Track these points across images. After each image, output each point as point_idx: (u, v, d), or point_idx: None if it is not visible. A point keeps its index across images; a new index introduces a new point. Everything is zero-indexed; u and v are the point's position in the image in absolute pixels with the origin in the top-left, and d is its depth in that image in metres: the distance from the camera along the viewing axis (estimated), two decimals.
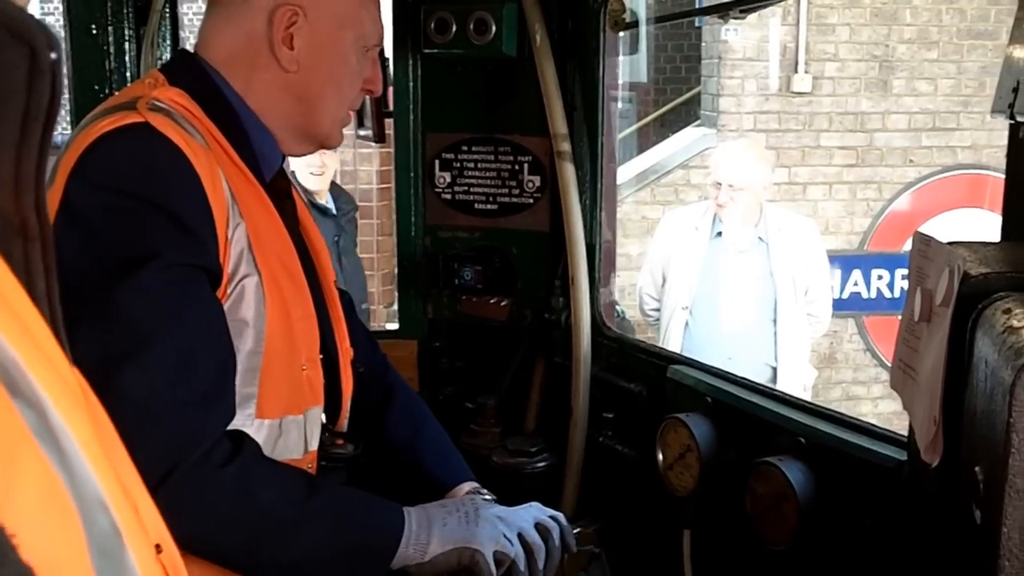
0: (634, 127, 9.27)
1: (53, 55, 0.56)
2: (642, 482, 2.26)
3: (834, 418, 1.90)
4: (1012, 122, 1.42)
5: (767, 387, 2.10)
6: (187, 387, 1.44)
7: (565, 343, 2.58)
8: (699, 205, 5.19)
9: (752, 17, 7.17)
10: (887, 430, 1.80)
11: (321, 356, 1.75)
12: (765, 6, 2.26)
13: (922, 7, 8.13)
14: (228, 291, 1.54)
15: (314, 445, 1.72)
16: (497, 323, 2.72)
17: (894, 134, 8.18)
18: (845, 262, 8.08)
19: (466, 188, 2.72)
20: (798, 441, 1.87)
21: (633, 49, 3.12)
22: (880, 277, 8.12)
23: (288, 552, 1.53)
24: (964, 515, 1.05)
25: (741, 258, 4.81)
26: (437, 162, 2.74)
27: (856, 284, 8.13)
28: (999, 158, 8.19)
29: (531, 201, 2.66)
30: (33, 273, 0.59)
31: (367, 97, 3.03)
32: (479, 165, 2.70)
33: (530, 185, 2.64)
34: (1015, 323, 0.98)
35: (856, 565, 1.74)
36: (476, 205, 2.72)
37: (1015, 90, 1.30)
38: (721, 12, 2.31)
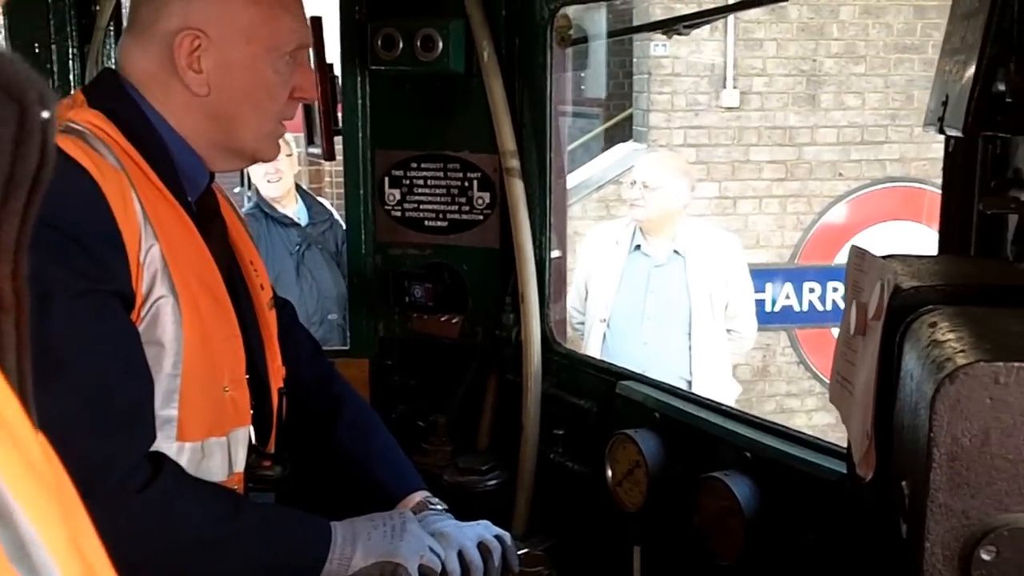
0: (577, 143, 9.31)
1: (45, 114, 0.51)
2: (593, 499, 2.25)
3: (780, 432, 1.90)
4: (944, 135, 1.44)
5: (715, 402, 2.10)
6: (101, 413, 1.43)
7: (516, 360, 2.57)
8: (621, 219, 5.23)
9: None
10: (832, 444, 1.81)
11: (248, 376, 1.74)
12: (708, 22, 2.28)
13: (849, 22, 8.21)
14: (142, 314, 1.52)
15: (240, 467, 1.70)
16: (449, 340, 2.71)
17: (823, 148, 8.25)
18: (776, 276, 8.14)
19: (416, 205, 2.71)
20: (744, 456, 1.87)
21: (582, 65, 3.13)
22: (812, 290, 8.19)
23: (214, 571, 1.52)
24: (894, 529, 1.05)
25: (658, 272, 4.85)
26: (387, 179, 2.73)
27: (788, 297, 8.19)
28: (927, 171, 8.34)
29: (481, 218, 2.65)
30: (5, 345, 0.56)
31: (316, 115, 3.03)
32: (428, 182, 2.69)
33: (480, 202, 2.64)
34: (939, 336, 0.98)
35: None
36: (426, 222, 2.71)
37: (944, 103, 1.32)
38: (666, 28, 2.32)
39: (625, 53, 11.38)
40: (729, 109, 8.11)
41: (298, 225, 4.81)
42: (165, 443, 1.55)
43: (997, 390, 0.87)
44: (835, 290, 8.14)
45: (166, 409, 1.55)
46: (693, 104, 8.12)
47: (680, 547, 1.99)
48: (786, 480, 1.79)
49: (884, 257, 1.34)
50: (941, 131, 1.33)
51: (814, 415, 7.99)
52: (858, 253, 1.41)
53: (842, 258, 8.14)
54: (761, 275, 8.10)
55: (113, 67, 1.75)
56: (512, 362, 2.59)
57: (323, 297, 4.74)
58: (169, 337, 1.54)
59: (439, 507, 1.87)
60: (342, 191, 2.89)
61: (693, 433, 2.01)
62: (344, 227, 5.41)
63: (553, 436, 2.48)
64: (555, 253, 2.62)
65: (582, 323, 5.04)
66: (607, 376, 2.37)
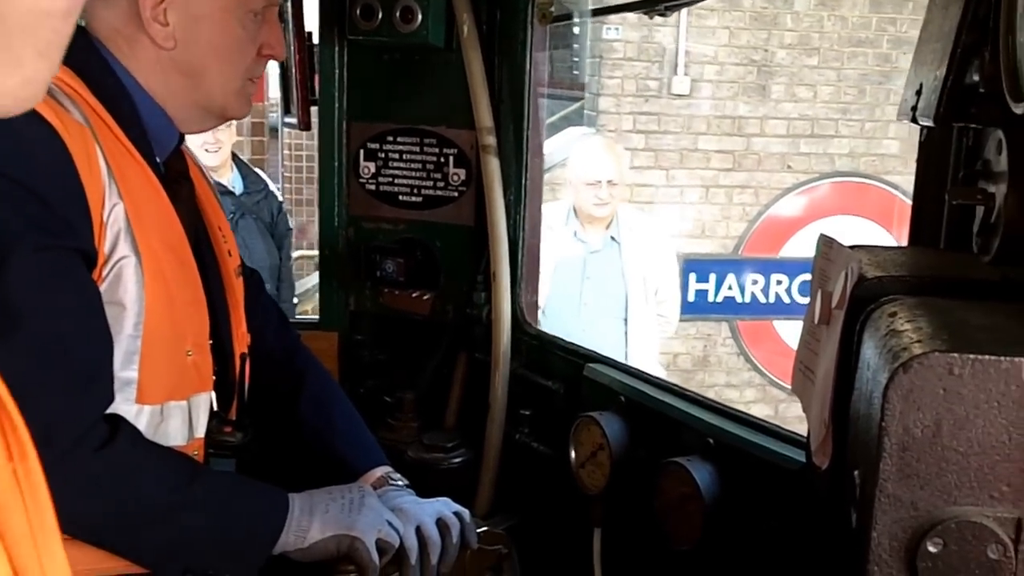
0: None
1: None
2: (556, 480, 2.24)
3: (742, 420, 1.89)
4: (920, 126, 1.43)
5: (680, 388, 2.09)
6: (59, 371, 1.41)
7: (486, 339, 2.55)
8: (556, 204, 5.24)
9: (632, 17, 7.16)
10: (794, 433, 1.80)
11: (212, 342, 1.72)
12: (689, 4, 2.25)
13: (804, 13, 8.14)
14: (104, 273, 1.50)
15: (200, 432, 1.69)
16: (419, 317, 2.69)
17: (772, 139, 8.19)
18: (719, 266, 8.13)
19: (391, 179, 2.69)
20: (707, 442, 1.86)
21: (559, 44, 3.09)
22: (755, 282, 8.18)
23: (166, 537, 1.51)
24: (847, 519, 1.04)
25: (594, 258, 4.87)
26: (362, 152, 2.70)
27: (731, 288, 8.18)
28: (876, 166, 8.30)
29: (456, 195, 2.63)
30: None
31: (293, 84, 3.00)
32: (404, 156, 2.67)
33: (455, 178, 2.61)
34: (898, 326, 0.97)
35: (761, 566, 1.74)
36: (400, 197, 2.68)
37: (918, 93, 1.30)
38: (649, 8, 2.30)
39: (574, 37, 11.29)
40: (679, 96, 8.01)
41: (232, 194, 4.82)
42: (124, 405, 1.53)
43: (951, 381, 0.86)
44: (779, 283, 8.14)
45: (126, 371, 1.53)
46: (643, 90, 8.03)
47: (640, 531, 1.98)
48: (747, 467, 1.78)
49: (851, 247, 1.33)
50: (914, 120, 1.31)
51: (753, 406, 7.95)
52: (826, 242, 1.40)
53: (787, 251, 8.17)
54: (705, 265, 8.12)
55: (81, 24, 1.72)
56: (482, 341, 2.58)
57: (256, 267, 4.77)
58: (131, 298, 1.52)
59: (400, 483, 1.86)
60: (298, 164, 2.86)
61: (657, 418, 2.00)
62: (279, 198, 5.44)
63: (520, 416, 2.47)
64: (529, 233, 2.59)
65: None
66: (576, 358, 2.36)
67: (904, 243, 1.53)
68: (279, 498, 1.66)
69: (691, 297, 8.09)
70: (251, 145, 8.21)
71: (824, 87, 8.24)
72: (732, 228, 8.25)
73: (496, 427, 2.47)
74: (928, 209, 1.49)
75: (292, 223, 5.75)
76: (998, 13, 1.12)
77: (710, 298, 8.09)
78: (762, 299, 8.16)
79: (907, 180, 8.27)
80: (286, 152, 9.78)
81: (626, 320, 4.80)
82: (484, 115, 2.49)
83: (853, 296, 1.16)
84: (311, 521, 1.64)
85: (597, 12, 7.92)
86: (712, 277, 8.08)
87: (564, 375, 2.37)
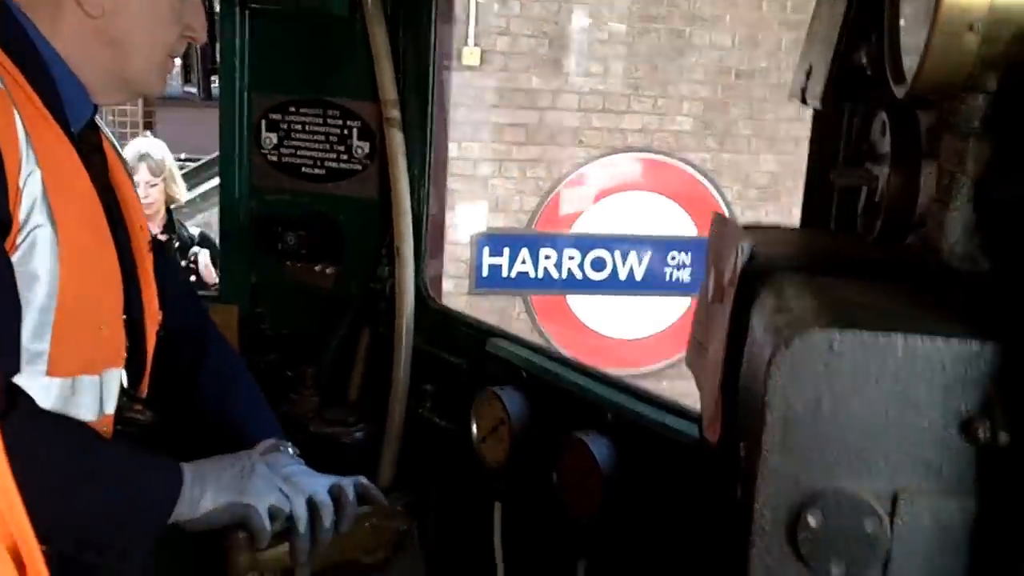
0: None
1: None
2: (458, 455, 2.25)
3: (641, 395, 1.92)
4: (811, 108, 1.45)
5: (580, 363, 2.11)
6: None
7: (390, 314, 2.54)
8: None
9: None
10: (690, 408, 1.83)
11: (125, 317, 1.68)
12: None
13: None
14: (17, 241, 1.45)
15: (110, 408, 1.65)
16: (322, 291, 2.66)
17: (565, 113, 8.09)
18: (513, 241, 8.13)
19: (293, 151, 2.64)
20: (606, 416, 1.89)
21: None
22: (548, 257, 8.18)
23: (60, 509, 1.48)
24: (735, 492, 1.07)
25: None
26: (264, 122, 2.65)
27: (524, 263, 8.17)
28: (670, 143, 8.35)
29: (360, 168, 2.60)
30: None
31: (196, 53, 2.92)
32: (307, 128, 2.62)
33: (359, 151, 2.58)
34: (783, 304, 0.99)
35: (658, 539, 1.77)
36: (303, 169, 2.64)
37: (808, 74, 1.33)
38: None
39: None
40: (470, 68, 7.82)
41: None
42: (34, 377, 1.48)
43: (831, 357, 0.88)
44: (571, 258, 8.16)
45: (37, 342, 1.48)
46: None
47: (540, 504, 2.00)
48: (645, 441, 1.81)
49: (745, 227, 1.35)
50: (804, 101, 1.34)
51: None
52: (720, 221, 1.42)
53: (580, 226, 8.24)
54: (498, 240, 8.11)
55: None
56: (385, 316, 2.56)
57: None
58: (45, 268, 1.47)
59: (291, 452, 1.84)
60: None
61: (557, 392, 2.02)
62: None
63: (423, 391, 2.46)
64: (433, 207, 2.58)
65: None
66: (479, 333, 2.36)
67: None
68: (172, 469, 1.64)
69: (485, 272, 8.07)
70: (142, 114, 7.97)
71: (616, 62, 8.14)
72: (526, 203, 8.17)
73: (398, 402, 2.46)
74: (819, 190, 1.53)
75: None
76: None
77: (504, 273, 8.06)
78: (555, 274, 8.19)
79: (699, 157, 8.35)
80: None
81: None
82: (388, 87, 2.46)
83: (744, 274, 1.18)
84: (203, 490, 1.63)
85: None
86: (506, 251, 8.06)
87: (467, 350, 2.37)
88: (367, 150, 2.58)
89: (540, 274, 8.17)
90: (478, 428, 2.12)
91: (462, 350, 2.39)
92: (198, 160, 8.44)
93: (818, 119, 1.52)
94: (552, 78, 8.02)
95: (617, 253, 8.16)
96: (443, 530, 2.28)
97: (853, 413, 0.89)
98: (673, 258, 8.24)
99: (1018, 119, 0.92)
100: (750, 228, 1.35)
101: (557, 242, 8.15)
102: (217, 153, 2.76)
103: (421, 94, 2.50)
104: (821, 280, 1.07)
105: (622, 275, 8.21)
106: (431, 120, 2.52)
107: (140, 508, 1.60)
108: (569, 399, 1.98)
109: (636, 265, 8.22)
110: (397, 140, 2.47)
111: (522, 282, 8.16)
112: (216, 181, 3.83)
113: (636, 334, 8.43)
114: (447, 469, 2.36)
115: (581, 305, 8.29)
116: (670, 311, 8.40)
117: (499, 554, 2.09)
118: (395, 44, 2.48)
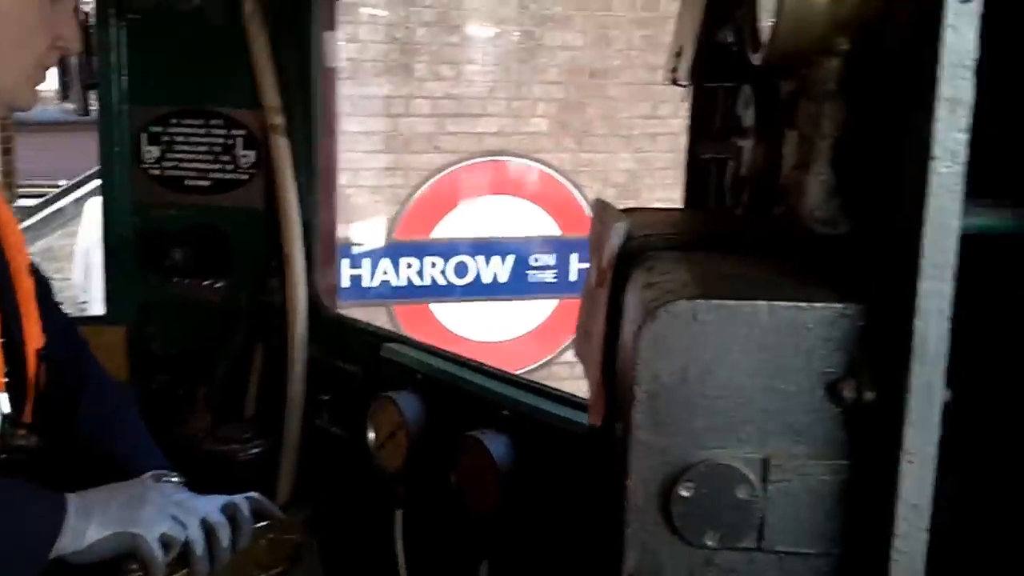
0: None
1: None
2: (357, 464, 2.20)
3: (536, 390, 1.91)
4: (688, 87, 1.45)
5: (476, 362, 2.09)
6: None
7: (283, 326, 2.48)
8: None
9: None
10: (584, 399, 1.82)
11: (4, 340, 1.62)
12: None
13: None
14: None
15: None
16: (213, 306, 2.60)
17: (417, 119, 8.02)
18: (373, 251, 8.01)
19: (176, 163, 2.57)
20: (502, 413, 1.87)
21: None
22: (409, 265, 8.11)
23: None
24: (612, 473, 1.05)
25: None
26: (144, 136, 2.58)
27: (386, 272, 8.08)
28: (526, 145, 8.33)
29: (246, 177, 2.54)
30: None
31: (73, 68, 2.83)
32: (190, 139, 2.56)
33: (244, 161, 2.53)
34: (653, 279, 0.98)
35: (558, 531, 1.76)
36: (187, 181, 2.57)
37: (678, 55, 1.33)
38: None
39: None
40: None
41: None
42: None
43: (696, 327, 0.87)
44: (433, 265, 8.10)
45: None
46: None
47: (440, 508, 1.97)
48: (540, 435, 1.79)
49: (623, 209, 1.34)
50: (674, 82, 1.34)
51: None
52: (600, 205, 1.41)
53: (438, 232, 8.14)
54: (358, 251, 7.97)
55: None
56: (279, 328, 2.51)
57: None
58: None
59: (175, 480, 1.79)
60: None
61: (454, 392, 2.00)
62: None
63: (320, 402, 2.41)
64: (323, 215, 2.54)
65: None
66: (373, 339, 2.32)
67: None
68: (54, 501, 1.57)
69: (346, 283, 7.88)
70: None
71: (468, 66, 8.07)
72: (383, 211, 8.07)
73: (295, 415, 2.41)
74: (697, 170, 1.53)
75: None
76: None
77: (365, 283, 7.94)
78: (417, 281, 8.11)
79: (557, 158, 8.37)
80: None
81: None
82: (271, 94, 2.41)
83: (620, 256, 1.17)
84: (88, 522, 1.56)
85: None
86: (366, 263, 7.96)
87: (363, 357, 2.32)
88: (253, 159, 2.52)
89: (403, 282, 8.06)
90: (375, 435, 2.08)
91: (357, 357, 2.35)
92: (57, 186, 8.20)
93: (695, 100, 1.52)
94: (404, 84, 7.91)
95: (480, 258, 8.09)
96: (345, 541, 2.23)
97: (720, 382, 0.88)
98: (536, 260, 8.19)
99: (871, 79, 0.92)
100: (628, 211, 1.34)
101: (417, 249, 8.04)
102: (80, 176, 2.69)
103: (305, 100, 2.46)
104: (691, 255, 1.06)
105: (486, 279, 8.13)
106: (317, 126, 2.47)
107: (20, 542, 1.53)
108: (466, 399, 1.96)
109: (499, 268, 8.15)
110: (283, 147, 2.43)
111: (385, 292, 8.03)
112: (60, 204, 3.74)
113: (502, 337, 8.34)
114: (346, 479, 2.32)
115: (444, 311, 8.19)
116: (536, 313, 8.35)
117: (401, 560, 2.05)
118: (277, 51, 2.44)
